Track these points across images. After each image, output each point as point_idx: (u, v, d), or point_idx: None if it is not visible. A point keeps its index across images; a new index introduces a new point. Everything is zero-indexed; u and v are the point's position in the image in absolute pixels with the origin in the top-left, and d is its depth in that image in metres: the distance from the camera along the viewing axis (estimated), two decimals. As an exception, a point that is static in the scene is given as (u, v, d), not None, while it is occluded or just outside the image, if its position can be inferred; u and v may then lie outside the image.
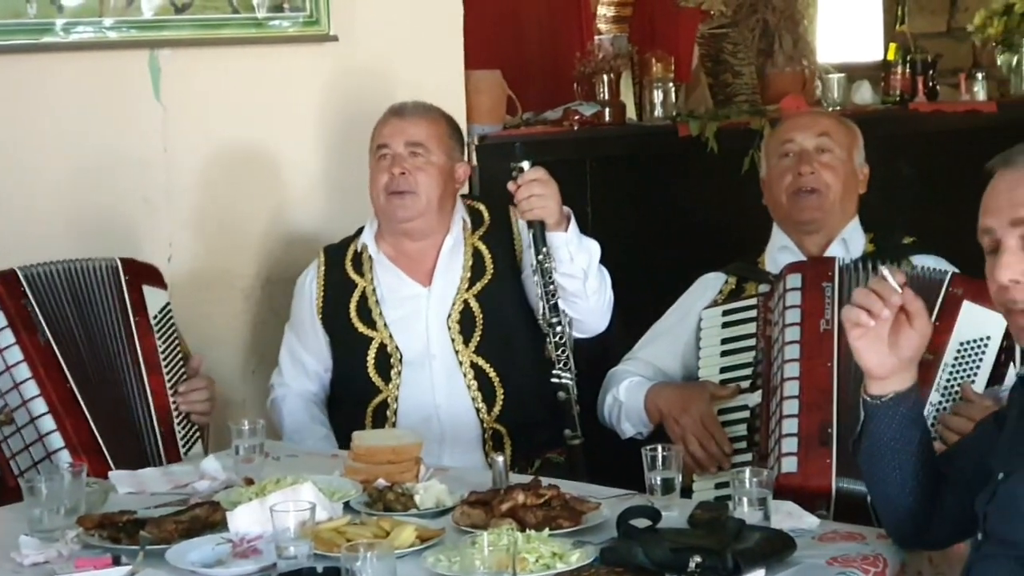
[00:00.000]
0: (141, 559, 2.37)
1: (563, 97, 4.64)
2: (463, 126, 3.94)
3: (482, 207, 3.53)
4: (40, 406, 3.06)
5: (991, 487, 2.17)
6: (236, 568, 2.34)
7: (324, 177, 4.08)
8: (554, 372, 3.27)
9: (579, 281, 3.29)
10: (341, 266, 3.48)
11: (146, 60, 3.81)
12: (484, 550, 2.19)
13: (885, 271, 2.26)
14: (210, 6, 3.84)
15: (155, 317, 3.28)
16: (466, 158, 3.65)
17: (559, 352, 3.27)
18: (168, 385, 3.23)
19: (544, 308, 3.26)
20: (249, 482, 2.75)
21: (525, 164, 3.22)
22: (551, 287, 3.24)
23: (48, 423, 3.06)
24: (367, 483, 2.71)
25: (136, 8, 3.75)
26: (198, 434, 3.27)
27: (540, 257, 3.23)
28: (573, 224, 3.28)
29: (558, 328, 3.26)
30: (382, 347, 3.39)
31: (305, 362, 3.51)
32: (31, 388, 3.07)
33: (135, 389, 3.20)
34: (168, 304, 3.34)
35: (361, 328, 3.41)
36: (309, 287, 3.50)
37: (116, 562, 2.36)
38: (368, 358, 3.39)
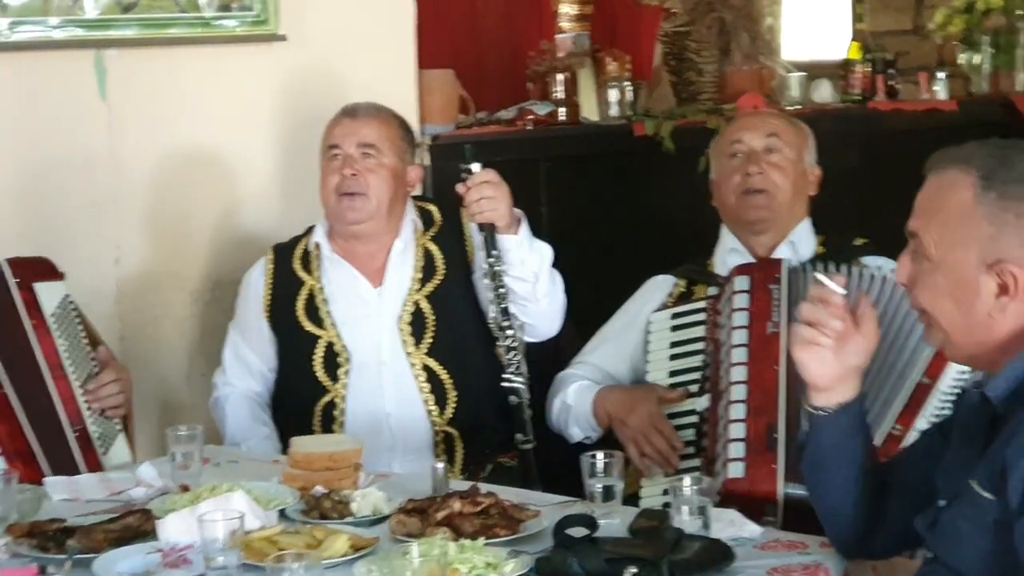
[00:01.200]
0: (68, 569, 2.32)
1: (520, 97, 4.61)
2: (415, 126, 3.92)
3: (433, 208, 3.49)
4: None
5: (932, 512, 2.13)
6: (165, 579, 2.29)
7: (274, 178, 4.04)
8: (505, 376, 3.23)
9: (530, 284, 3.26)
10: (289, 264, 3.44)
11: (92, 60, 3.76)
12: (415, 560, 2.16)
13: (820, 276, 2.22)
14: (156, 5, 3.80)
15: (54, 314, 3.16)
16: (418, 161, 3.61)
17: (510, 356, 3.24)
18: (77, 385, 3.12)
19: (495, 311, 3.23)
20: (185, 489, 2.71)
21: (475, 166, 3.18)
22: (502, 290, 3.21)
23: None
24: (305, 490, 2.67)
25: (81, 7, 3.70)
26: (119, 428, 3.17)
27: (491, 260, 3.20)
28: (524, 227, 3.25)
29: (509, 332, 3.23)
30: (330, 346, 3.35)
31: (249, 361, 3.47)
32: None
33: (44, 395, 3.09)
34: (68, 296, 3.20)
35: (308, 327, 3.37)
36: (256, 284, 3.47)
37: (43, 572, 2.31)
38: (315, 357, 3.35)
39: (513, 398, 3.23)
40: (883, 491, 2.33)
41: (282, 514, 2.57)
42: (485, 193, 3.16)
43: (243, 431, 3.38)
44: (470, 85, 4.50)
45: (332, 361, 3.34)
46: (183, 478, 2.77)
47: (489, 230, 3.20)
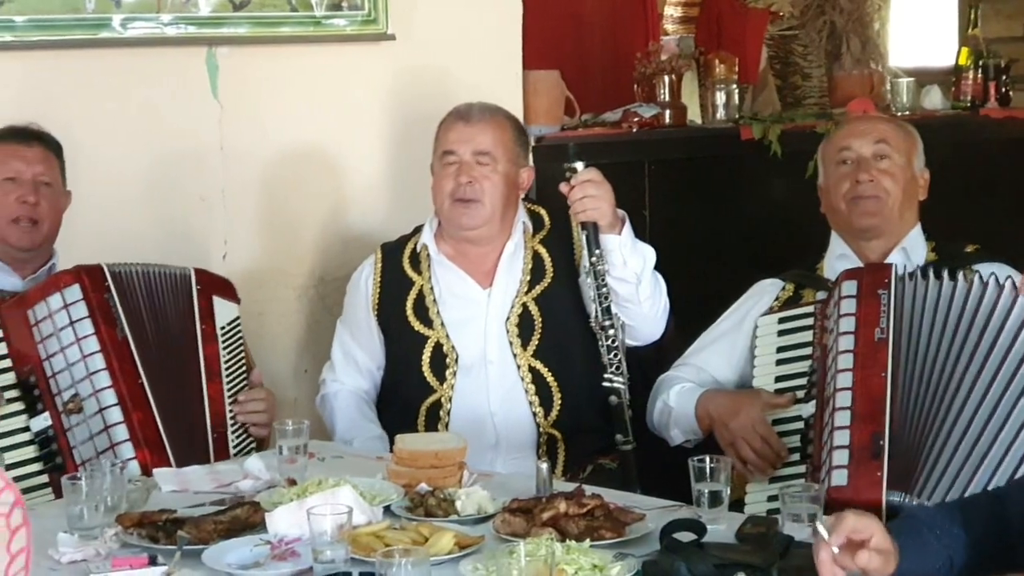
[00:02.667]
0: (178, 559, 2.35)
1: (624, 99, 4.60)
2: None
3: (543, 211, 3.49)
4: (110, 397, 3.08)
5: None
6: (272, 570, 2.31)
7: (381, 177, 4.06)
8: (606, 376, 3.23)
9: (632, 286, 3.24)
10: (398, 263, 3.45)
11: (204, 57, 3.81)
12: (521, 560, 2.14)
13: (819, 526, 2.11)
14: (268, 4, 3.84)
15: (222, 328, 3.31)
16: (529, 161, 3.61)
17: (611, 356, 3.23)
18: (227, 394, 3.25)
19: (596, 311, 3.22)
20: (292, 483, 2.73)
21: (579, 165, 3.18)
22: (604, 290, 3.21)
23: (115, 414, 3.07)
24: (409, 487, 2.68)
25: (194, 4, 3.75)
26: (253, 446, 3.26)
27: (593, 259, 3.20)
28: (627, 227, 3.24)
29: (610, 332, 3.22)
30: (438, 346, 3.36)
31: (358, 359, 3.49)
32: (103, 379, 3.09)
33: (195, 394, 3.21)
34: (238, 318, 3.37)
35: (417, 326, 3.38)
36: (365, 283, 3.48)
37: (153, 562, 2.34)
38: (423, 357, 3.36)
39: (613, 398, 3.23)
40: (1001, 525, 2.26)
41: (387, 510, 2.58)
42: (588, 192, 3.16)
43: (353, 429, 3.41)
44: (575, 86, 4.49)
45: (440, 361, 3.35)
46: (289, 472, 2.80)
47: (592, 229, 3.19)
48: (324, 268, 3.99)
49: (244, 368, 3.34)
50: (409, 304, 3.40)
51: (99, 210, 3.66)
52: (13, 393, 3.10)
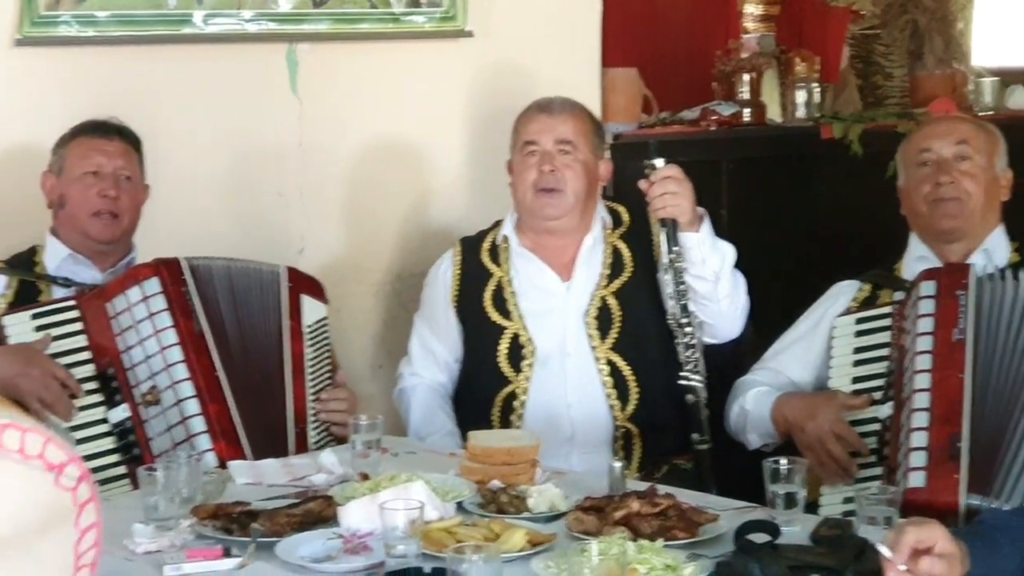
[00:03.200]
0: (251, 551, 2.36)
1: (702, 96, 4.58)
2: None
3: (621, 208, 3.49)
4: (187, 389, 3.11)
5: None
6: (345, 564, 2.32)
7: (459, 173, 4.07)
8: (682, 374, 3.22)
9: (710, 284, 3.23)
10: (477, 256, 3.46)
11: (284, 54, 3.83)
12: (593, 558, 2.13)
13: (882, 548, 2.06)
14: (348, 1, 3.86)
15: (309, 327, 3.34)
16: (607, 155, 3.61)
17: (688, 354, 3.22)
18: (310, 391, 3.27)
19: (674, 308, 3.21)
20: (365, 477, 2.74)
21: (659, 161, 3.17)
22: (681, 287, 3.20)
23: (192, 406, 3.10)
24: (482, 484, 2.68)
25: (274, 1, 3.78)
26: (332, 445, 3.26)
27: (671, 256, 3.19)
28: (707, 225, 3.22)
29: (687, 329, 3.21)
30: (515, 338, 3.37)
31: (436, 352, 3.49)
32: (181, 371, 3.12)
33: (277, 389, 3.23)
34: (325, 318, 3.40)
35: (495, 317, 3.39)
36: (444, 275, 3.49)
37: (227, 553, 2.36)
38: (500, 348, 3.37)
39: (690, 397, 3.22)
40: None
41: (459, 506, 2.58)
42: (668, 188, 3.15)
43: (428, 424, 3.42)
44: (653, 84, 4.48)
45: (516, 353, 3.35)
46: (363, 466, 2.81)
47: (671, 226, 3.18)
48: (402, 264, 4.01)
49: (329, 367, 3.37)
50: (487, 296, 3.41)
51: (178, 205, 3.69)
52: (92, 385, 3.13)
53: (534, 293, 3.40)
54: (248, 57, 3.81)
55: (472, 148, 4.04)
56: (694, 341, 3.22)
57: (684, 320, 3.21)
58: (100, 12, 3.57)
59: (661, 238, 3.22)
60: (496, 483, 2.67)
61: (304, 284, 3.41)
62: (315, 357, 3.32)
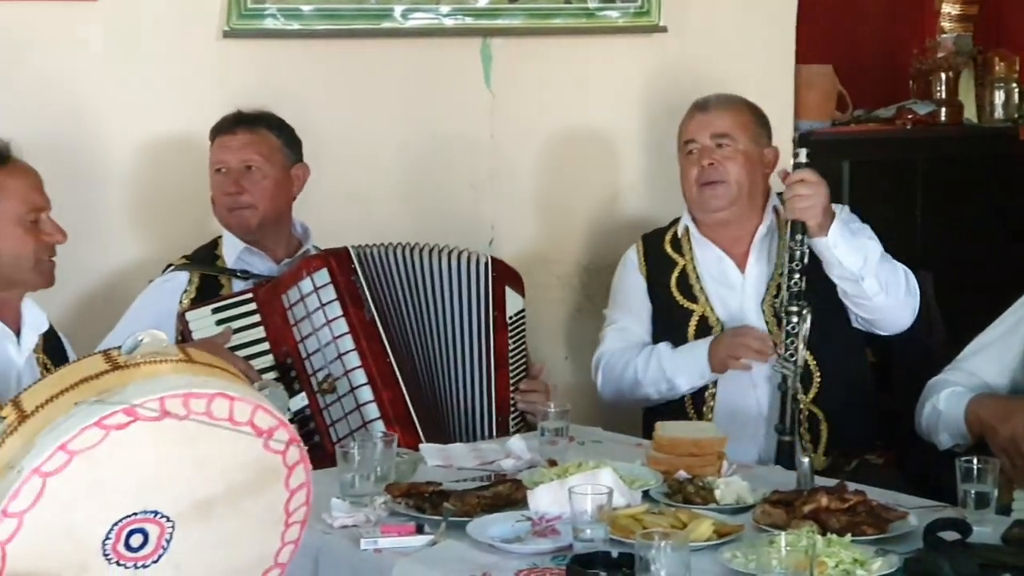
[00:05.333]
0: (443, 529, 2.42)
1: (897, 95, 4.51)
2: (790, 121, 3.90)
3: None
4: (360, 377, 3.14)
5: None
6: (533, 546, 2.36)
7: (647, 168, 4.09)
8: (778, 361, 3.25)
9: (855, 283, 3.25)
10: (660, 247, 3.53)
11: (478, 48, 3.90)
12: (782, 550, 2.14)
13: None
14: (543, -5, 3.91)
15: (511, 318, 3.36)
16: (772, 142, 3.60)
17: (788, 342, 3.23)
18: (511, 382, 3.30)
19: (783, 295, 3.24)
20: (552, 464, 2.78)
21: (801, 155, 3.19)
22: (796, 276, 3.22)
23: (366, 393, 3.14)
24: (668, 474, 2.69)
25: (471, -5, 3.85)
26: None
27: (792, 244, 3.23)
28: (837, 226, 3.22)
29: (793, 319, 3.22)
30: (703, 319, 3.43)
31: (632, 330, 3.51)
32: (353, 359, 3.16)
33: (476, 378, 3.27)
34: (523, 311, 3.42)
35: (682, 301, 3.45)
36: (632, 264, 3.56)
37: (419, 530, 2.43)
38: (689, 329, 3.43)
39: (782, 386, 3.24)
40: None
41: (646, 495, 2.60)
42: (800, 191, 3.17)
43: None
44: (847, 81, 4.42)
45: (706, 333, 3.40)
46: (551, 453, 2.84)
47: (799, 228, 3.21)
48: (590, 256, 4.04)
49: (525, 359, 3.40)
50: (673, 282, 3.48)
51: (370, 195, 3.79)
52: (271, 375, 3.18)
53: (715, 279, 3.45)
54: (443, 51, 3.88)
55: (662, 143, 4.04)
56: (796, 331, 3.23)
57: (791, 308, 3.21)
58: (305, 6, 3.68)
59: (787, 232, 3.25)
60: (683, 473, 2.68)
61: (506, 275, 3.42)
62: (514, 349, 3.35)
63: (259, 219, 3.38)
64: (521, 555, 2.33)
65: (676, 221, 3.55)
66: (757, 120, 3.48)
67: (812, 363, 3.33)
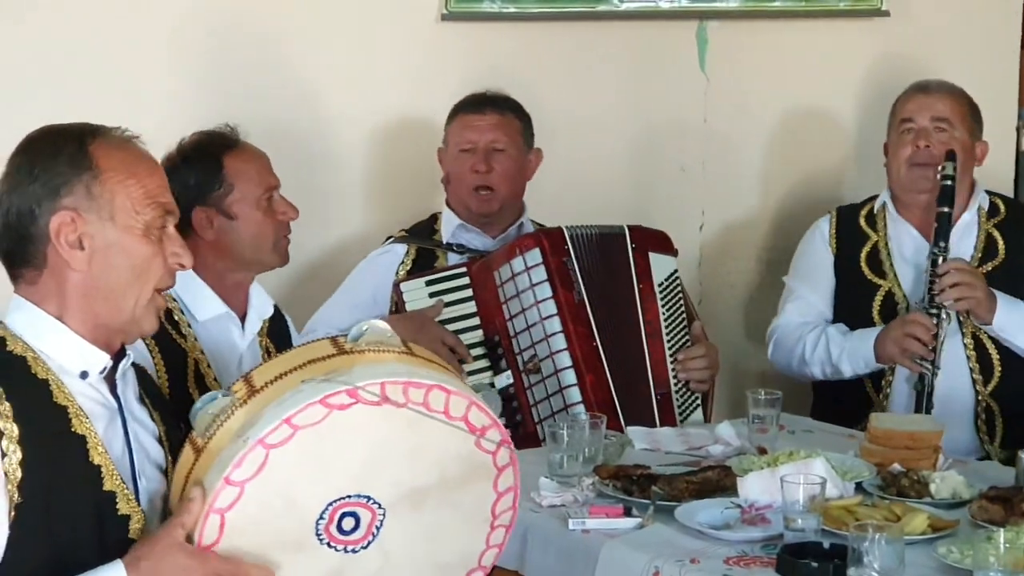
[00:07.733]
0: (651, 513, 2.43)
1: None
2: (1013, 107, 3.80)
3: (999, 201, 3.52)
4: (565, 359, 3.14)
5: None
6: (743, 533, 2.35)
7: (854, 152, 4.04)
8: (920, 358, 3.24)
9: None
10: (855, 221, 3.55)
11: (694, 31, 3.88)
12: (1000, 547, 2.09)
13: None
14: (764, -22, 3.87)
15: (660, 284, 3.28)
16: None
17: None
18: (668, 352, 3.23)
19: (924, 296, 3.28)
20: (762, 451, 2.76)
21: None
22: (935, 283, 3.24)
23: (570, 377, 3.13)
24: (882, 466, 2.66)
25: (690, -22, 3.83)
26: (697, 402, 3.26)
27: (935, 249, 3.28)
28: (1002, 312, 3.28)
29: (934, 320, 3.23)
30: (889, 294, 3.44)
31: (812, 302, 3.51)
32: (559, 341, 3.15)
33: (637, 353, 3.21)
34: (676, 271, 3.32)
35: (870, 276, 3.47)
36: (821, 237, 3.56)
37: (627, 513, 2.44)
38: (874, 304, 3.44)
39: (918, 384, 3.26)
40: None
41: (859, 487, 2.57)
42: (961, 279, 3.24)
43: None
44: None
45: (891, 309, 3.42)
46: (760, 440, 2.83)
47: (944, 220, 3.29)
48: (787, 237, 3.94)
49: (684, 323, 3.29)
50: (863, 256, 3.49)
51: (581, 176, 3.80)
52: (479, 351, 3.21)
53: (906, 258, 3.46)
54: (659, 34, 3.87)
55: (874, 128, 3.96)
56: (936, 332, 3.24)
57: (932, 311, 3.24)
58: (519, -11, 3.71)
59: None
60: (897, 467, 2.64)
61: (649, 240, 3.33)
62: (669, 315, 3.26)
63: (500, 203, 3.38)
64: (730, 542, 2.33)
65: (873, 197, 3.56)
66: (973, 113, 3.48)
67: (995, 356, 3.35)
